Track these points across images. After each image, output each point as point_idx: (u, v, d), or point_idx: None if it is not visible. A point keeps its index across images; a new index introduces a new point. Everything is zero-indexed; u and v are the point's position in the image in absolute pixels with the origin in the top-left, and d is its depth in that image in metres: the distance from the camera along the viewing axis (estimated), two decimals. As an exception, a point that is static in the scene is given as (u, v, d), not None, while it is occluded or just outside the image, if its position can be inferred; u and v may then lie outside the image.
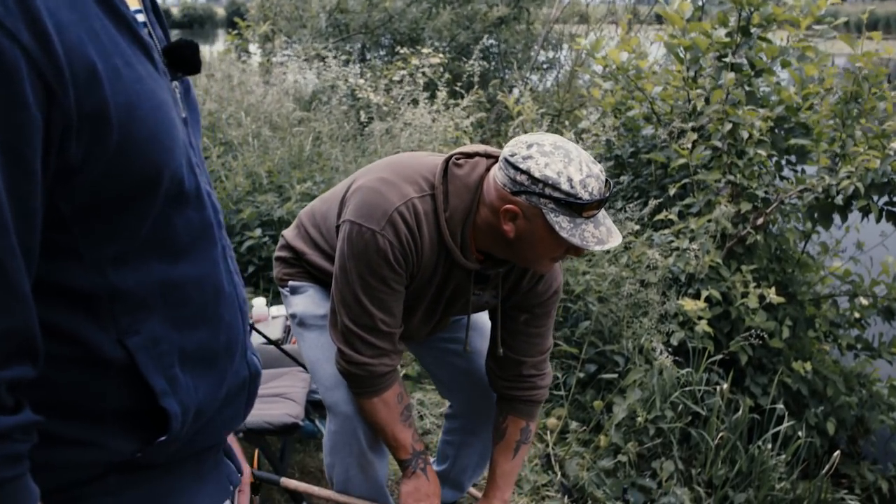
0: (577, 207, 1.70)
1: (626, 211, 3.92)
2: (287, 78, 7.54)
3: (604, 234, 1.74)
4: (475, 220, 1.85)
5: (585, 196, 1.69)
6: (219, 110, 6.65)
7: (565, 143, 1.74)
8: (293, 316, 2.21)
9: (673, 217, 3.63)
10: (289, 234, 2.18)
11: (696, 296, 3.40)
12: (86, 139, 0.77)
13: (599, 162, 4.68)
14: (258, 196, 5.04)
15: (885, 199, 3.40)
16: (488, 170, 1.86)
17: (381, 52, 8.63)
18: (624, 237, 3.76)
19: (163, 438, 0.90)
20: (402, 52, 6.27)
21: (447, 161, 1.88)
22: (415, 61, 5.89)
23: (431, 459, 2.64)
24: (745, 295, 3.37)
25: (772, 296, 3.19)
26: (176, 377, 0.90)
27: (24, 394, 0.78)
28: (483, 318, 2.26)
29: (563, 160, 1.70)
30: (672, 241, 3.61)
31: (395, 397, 1.99)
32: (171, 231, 0.89)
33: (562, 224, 1.71)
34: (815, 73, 3.92)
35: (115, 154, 0.79)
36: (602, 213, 1.76)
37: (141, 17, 0.91)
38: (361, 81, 6.22)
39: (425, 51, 5.97)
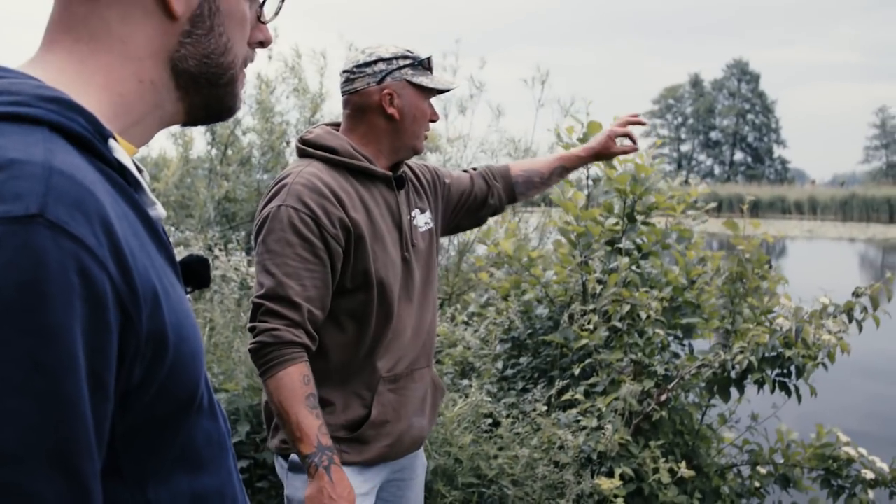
0: (424, 64, 2.14)
1: (527, 392, 3.99)
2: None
3: (448, 78, 2.19)
4: (360, 140, 2.13)
5: (421, 55, 2.14)
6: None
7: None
8: (289, 500, 2.07)
9: (579, 396, 3.72)
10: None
11: (610, 474, 3.45)
12: (147, 360, 0.79)
13: (498, 343, 4.84)
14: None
15: (777, 371, 3.61)
16: (328, 125, 2.19)
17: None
18: (532, 419, 3.82)
19: None
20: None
21: (299, 144, 2.14)
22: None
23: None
24: (655, 471, 3.43)
25: (683, 470, 3.28)
26: None
27: None
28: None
29: (391, 44, 2.11)
30: (579, 420, 3.68)
31: (301, 377, 1.90)
32: (194, 443, 0.90)
33: (424, 81, 2.12)
34: (694, 255, 4.21)
35: (168, 374, 0.81)
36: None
37: None
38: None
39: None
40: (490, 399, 4.03)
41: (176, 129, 8.21)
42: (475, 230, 6.25)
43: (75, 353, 0.70)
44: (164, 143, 20.21)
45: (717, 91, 79.63)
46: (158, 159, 8.13)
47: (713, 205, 4.59)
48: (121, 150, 0.83)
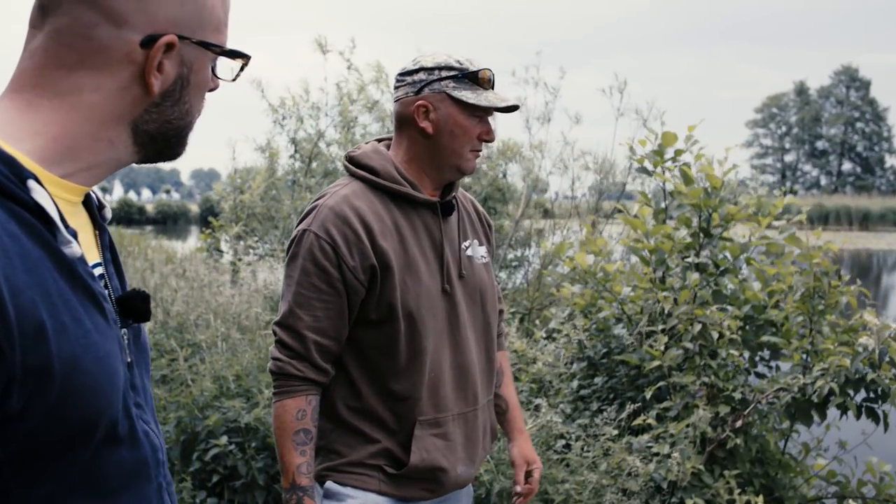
0: (472, 76, 1.93)
1: (602, 413, 3.83)
2: (256, 278, 7.57)
3: (503, 96, 1.97)
4: (404, 156, 2.00)
5: (474, 67, 1.95)
6: (186, 311, 6.61)
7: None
8: None
9: (651, 421, 3.55)
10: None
11: (681, 504, 3.27)
12: (28, 391, 0.81)
13: (572, 363, 4.70)
14: (225, 401, 4.90)
15: (863, 394, 3.36)
16: (380, 140, 2.07)
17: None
18: (601, 443, 3.66)
19: None
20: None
21: (345, 163, 2.03)
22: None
23: None
24: (731, 503, 3.24)
25: (761, 503, 3.07)
26: None
27: None
28: None
29: (443, 53, 1.97)
30: (651, 447, 3.52)
31: (295, 411, 1.88)
32: (101, 471, 0.91)
33: (466, 96, 1.92)
34: (776, 270, 3.98)
35: (55, 404, 0.83)
36: (497, 89, 2.00)
37: (99, 270, 0.99)
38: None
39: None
40: (561, 420, 3.89)
41: (263, 141, 8.38)
42: (553, 242, 6.12)
43: None
44: (250, 155, 20.65)
45: (823, 99, 76.82)
46: (243, 172, 8.27)
47: (802, 215, 4.29)
48: (40, 192, 0.86)
